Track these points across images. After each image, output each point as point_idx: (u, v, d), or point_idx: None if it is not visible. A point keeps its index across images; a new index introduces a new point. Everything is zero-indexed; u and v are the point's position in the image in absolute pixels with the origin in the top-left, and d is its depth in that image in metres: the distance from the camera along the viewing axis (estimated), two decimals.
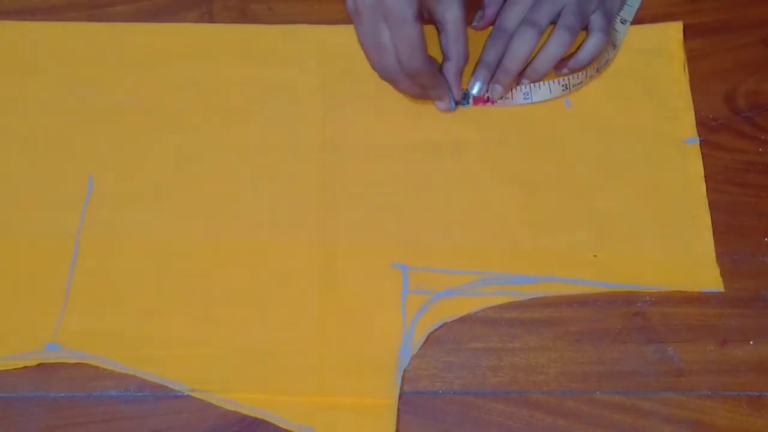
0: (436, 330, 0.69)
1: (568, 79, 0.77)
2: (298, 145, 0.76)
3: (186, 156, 0.75)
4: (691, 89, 0.78)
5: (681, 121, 0.76)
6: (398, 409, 0.66)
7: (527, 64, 0.76)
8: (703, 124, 0.76)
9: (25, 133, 0.76)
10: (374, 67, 0.72)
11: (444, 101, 0.76)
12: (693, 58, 0.79)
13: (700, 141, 0.76)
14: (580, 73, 0.77)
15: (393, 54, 0.69)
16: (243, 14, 0.82)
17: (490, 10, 0.79)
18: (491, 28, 0.78)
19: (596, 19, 0.76)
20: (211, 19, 0.81)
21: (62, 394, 0.66)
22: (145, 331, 0.69)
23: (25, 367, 0.67)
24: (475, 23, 0.80)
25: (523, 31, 0.75)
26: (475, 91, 0.77)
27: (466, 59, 0.75)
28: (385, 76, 0.72)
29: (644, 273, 0.71)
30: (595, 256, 0.71)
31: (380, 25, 0.68)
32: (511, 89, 0.77)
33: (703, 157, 0.75)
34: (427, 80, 0.73)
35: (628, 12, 0.80)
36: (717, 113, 0.77)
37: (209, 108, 0.78)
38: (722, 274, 0.70)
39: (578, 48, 0.77)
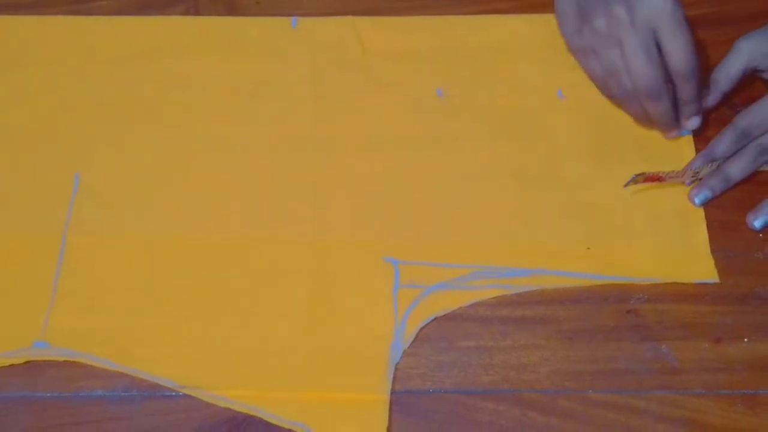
0: (427, 327, 0.68)
1: None
2: (287, 139, 0.76)
3: (174, 152, 0.75)
4: None
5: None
6: (389, 407, 0.66)
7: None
8: (702, 124, 0.75)
9: (9, 130, 0.76)
10: (639, 85, 0.71)
11: (700, 115, 0.74)
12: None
13: (694, 133, 0.76)
14: None
15: (660, 64, 0.70)
16: (230, 8, 0.82)
17: (717, 93, 0.76)
18: None
19: None
20: (198, 13, 0.81)
21: (48, 395, 0.66)
22: (134, 328, 0.68)
23: (11, 366, 0.67)
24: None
25: (759, 156, 0.73)
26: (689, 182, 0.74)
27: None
28: (652, 92, 0.71)
29: (638, 265, 0.70)
30: (588, 248, 0.71)
31: (648, 37, 0.70)
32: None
33: (697, 153, 0.74)
34: (695, 88, 0.72)
35: None
36: (715, 113, 0.77)
37: (197, 103, 0.77)
38: (716, 271, 0.70)
39: None
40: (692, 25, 0.78)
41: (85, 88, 0.77)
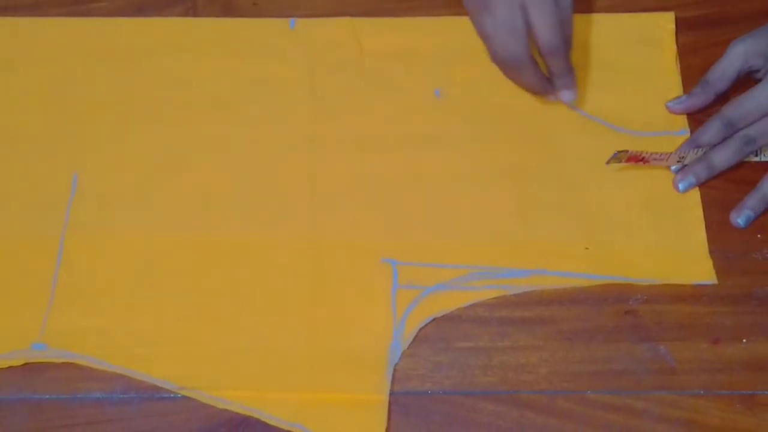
0: (426, 328, 0.68)
1: None
2: (285, 139, 0.75)
3: (172, 152, 0.75)
4: (683, 83, 0.78)
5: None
6: (388, 408, 0.65)
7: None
8: (695, 119, 0.76)
9: (8, 131, 0.76)
10: (502, 55, 0.73)
11: (572, 89, 0.75)
12: (685, 52, 0.79)
13: (692, 134, 0.75)
14: None
15: (525, 38, 0.72)
16: (228, 9, 0.81)
17: (692, 102, 0.76)
18: None
19: None
20: (196, 14, 0.81)
21: (46, 396, 0.66)
22: (132, 329, 0.68)
23: (9, 368, 0.67)
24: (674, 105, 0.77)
25: (744, 147, 0.73)
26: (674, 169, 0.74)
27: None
28: (516, 63, 0.73)
29: (636, 265, 0.70)
30: (586, 248, 0.71)
31: (515, 11, 0.71)
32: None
33: None
34: (563, 62, 0.74)
35: None
36: (708, 108, 0.76)
37: (195, 103, 0.77)
38: (715, 271, 0.70)
39: None
40: (692, 25, 0.79)
41: (84, 89, 0.77)
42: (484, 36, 0.75)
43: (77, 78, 0.78)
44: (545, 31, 0.72)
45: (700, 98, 0.76)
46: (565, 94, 0.76)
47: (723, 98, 0.76)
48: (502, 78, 0.78)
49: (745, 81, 0.76)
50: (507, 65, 0.75)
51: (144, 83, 0.78)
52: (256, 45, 0.80)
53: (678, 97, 0.77)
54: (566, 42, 0.74)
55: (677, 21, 0.80)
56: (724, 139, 0.73)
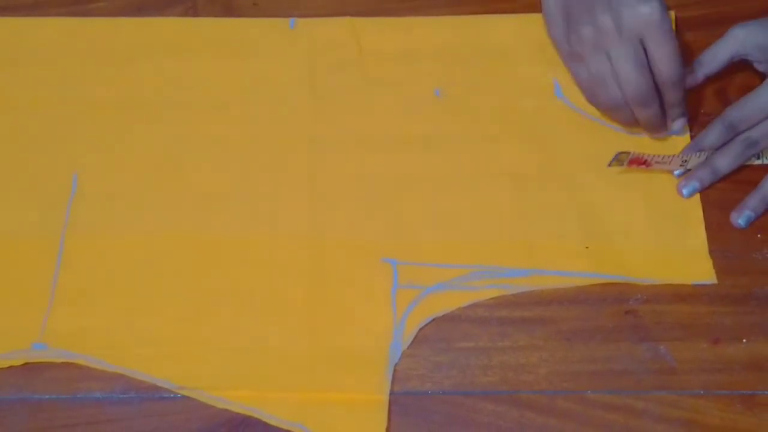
0: (426, 328, 0.68)
1: None
2: (285, 139, 0.76)
3: (172, 152, 0.75)
4: None
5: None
6: (388, 408, 0.65)
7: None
8: (694, 119, 0.76)
9: (8, 131, 0.76)
10: (630, 93, 0.71)
11: (685, 117, 0.75)
12: (685, 52, 0.78)
13: (691, 134, 0.76)
14: None
15: (649, 74, 0.71)
16: (228, 9, 0.81)
17: (700, 74, 0.76)
18: None
19: None
20: (196, 14, 0.81)
21: (46, 396, 0.66)
22: (132, 329, 0.68)
23: (10, 367, 0.66)
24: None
25: (746, 150, 0.73)
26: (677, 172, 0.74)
27: None
28: (644, 98, 0.71)
29: (636, 265, 0.70)
30: (586, 247, 0.71)
31: (637, 46, 0.70)
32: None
33: None
34: (681, 93, 0.73)
35: None
36: (708, 108, 0.77)
37: (195, 103, 0.77)
38: (715, 271, 0.70)
39: None
40: (692, 25, 0.80)
41: (84, 88, 0.77)
42: (598, 78, 0.73)
43: (77, 78, 0.78)
44: (669, 63, 0.70)
45: (689, 78, 0.75)
46: (679, 123, 0.75)
47: (713, 80, 0.77)
48: (503, 78, 0.78)
49: (746, 73, 0.77)
50: (633, 103, 0.72)
51: (144, 83, 0.78)
52: (256, 45, 0.80)
53: None
54: (683, 72, 0.72)
55: (677, 21, 0.80)
56: (726, 142, 0.73)
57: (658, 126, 0.74)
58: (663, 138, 0.75)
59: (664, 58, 0.70)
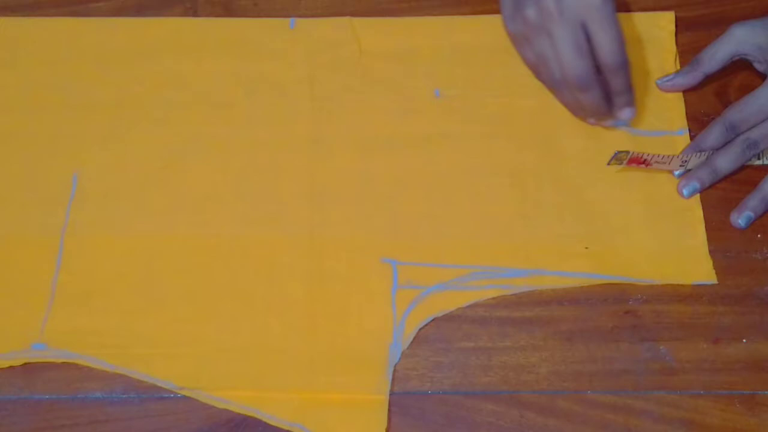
0: (426, 328, 0.68)
1: None
2: (285, 139, 0.75)
3: (172, 152, 0.75)
4: None
5: (671, 112, 0.77)
6: (388, 408, 0.65)
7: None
8: (694, 119, 0.76)
9: (8, 130, 0.76)
10: (569, 75, 0.72)
11: (633, 106, 0.74)
12: (685, 52, 0.79)
13: (691, 134, 0.76)
14: None
15: (590, 56, 0.71)
16: (228, 9, 0.81)
17: (681, 80, 0.77)
18: None
19: None
20: (196, 14, 0.81)
21: (47, 396, 0.66)
22: (132, 329, 0.68)
23: (10, 368, 0.66)
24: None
25: (746, 150, 0.73)
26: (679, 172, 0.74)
27: None
28: (582, 82, 0.71)
29: (636, 265, 0.70)
30: (586, 248, 0.71)
31: (577, 29, 0.70)
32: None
33: None
34: (625, 80, 0.72)
35: None
36: (708, 108, 0.77)
37: (195, 103, 0.77)
38: (714, 271, 0.70)
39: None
40: (692, 25, 0.79)
41: (84, 88, 0.77)
42: (542, 59, 0.74)
43: (77, 78, 0.78)
44: (610, 48, 0.70)
45: (688, 77, 0.76)
46: (627, 112, 0.74)
47: (713, 80, 0.77)
48: (502, 78, 0.78)
49: (746, 71, 0.77)
50: (572, 86, 0.72)
51: (144, 83, 0.78)
52: (256, 45, 0.79)
53: (667, 75, 0.77)
54: (627, 58, 0.72)
55: (677, 21, 0.80)
56: (726, 143, 0.73)
57: (602, 112, 0.74)
58: (659, 137, 0.75)
59: (605, 42, 0.70)
